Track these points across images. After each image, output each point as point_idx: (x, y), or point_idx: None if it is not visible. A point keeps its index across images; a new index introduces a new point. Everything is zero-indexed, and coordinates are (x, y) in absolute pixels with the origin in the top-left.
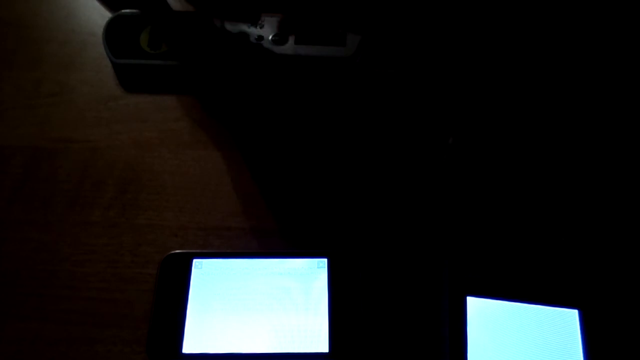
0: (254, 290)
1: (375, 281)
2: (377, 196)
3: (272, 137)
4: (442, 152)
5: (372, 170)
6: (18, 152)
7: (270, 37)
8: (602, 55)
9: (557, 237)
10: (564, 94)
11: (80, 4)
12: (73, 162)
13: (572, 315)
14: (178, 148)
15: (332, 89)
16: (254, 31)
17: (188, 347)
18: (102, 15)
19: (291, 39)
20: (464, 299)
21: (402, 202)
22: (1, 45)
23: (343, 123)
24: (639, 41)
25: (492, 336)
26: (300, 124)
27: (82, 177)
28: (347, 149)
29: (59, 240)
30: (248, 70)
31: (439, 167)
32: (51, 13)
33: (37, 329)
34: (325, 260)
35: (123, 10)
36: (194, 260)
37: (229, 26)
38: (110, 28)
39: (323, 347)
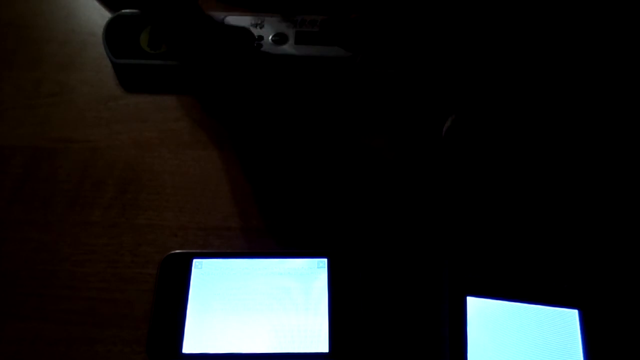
0: (254, 290)
1: (375, 281)
2: (377, 196)
3: (271, 136)
4: (439, 143)
5: (372, 170)
6: (18, 152)
7: (270, 37)
8: (601, 49)
9: (558, 242)
10: (565, 94)
11: (80, 4)
12: (73, 162)
13: (572, 315)
14: (178, 148)
15: (332, 89)
16: (254, 31)
17: (188, 347)
18: (102, 15)
19: (291, 39)
20: (464, 299)
21: (402, 202)
22: (1, 45)
23: (343, 123)
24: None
25: (492, 336)
26: (301, 123)
27: (82, 177)
28: (347, 148)
29: (59, 240)
30: (248, 70)
31: (438, 166)
32: (51, 13)
33: (37, 329)
34: (325, 260)
35: (123, 10)
36: (194, 260)
37: (229, 25)
38: (110, 28)
39: (323, 347)
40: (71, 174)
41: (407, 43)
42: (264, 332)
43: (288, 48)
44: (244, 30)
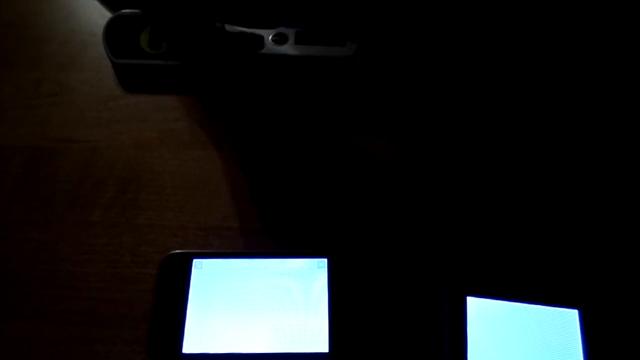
0: (254, 290)
1: (375, 281)
2: (377, 196)
3: (271, 136)
4: (439, 138)
5: (371, 170)
6: (18, 152)
7: (270, 37)
8: (599, 49)
9: (558, 242)
10: (565, 94)
11: (80, 4)
12: (73, 162)
13: (572, 315)
14: (178, 148)
15: (332, 89)
16: (254, 31)
17: (188, 347)
18: (102, 15)
19: (291, 39)
20: (464, 299)
21: (402, 202)
22: (1, 45)
23: (343, 123)
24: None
25: (492, 336)
26: (300, 123)
27: (82, 177)
28: (347, 149)
29: (59, 240)
30: (248, 70)
31: (438, 166)
32: (51, 13)
33: (37, 329)
34: (325, 260)
35: (123, 10)
36: (194, 260)
37: (228, 26)
38: (110, 28)
39: (323, 347)
40: (71, 174)
41: (409, 39)
42: (264, 332)
43: (288, 48)
44: (248, 35)
